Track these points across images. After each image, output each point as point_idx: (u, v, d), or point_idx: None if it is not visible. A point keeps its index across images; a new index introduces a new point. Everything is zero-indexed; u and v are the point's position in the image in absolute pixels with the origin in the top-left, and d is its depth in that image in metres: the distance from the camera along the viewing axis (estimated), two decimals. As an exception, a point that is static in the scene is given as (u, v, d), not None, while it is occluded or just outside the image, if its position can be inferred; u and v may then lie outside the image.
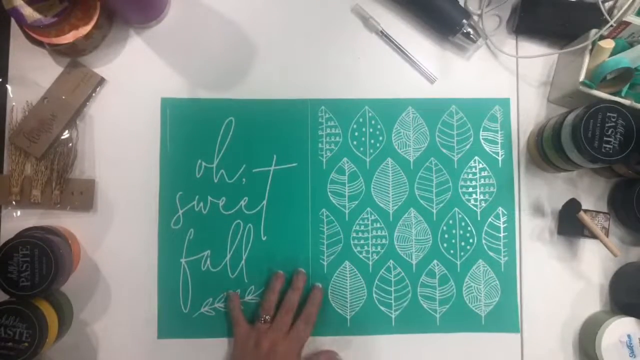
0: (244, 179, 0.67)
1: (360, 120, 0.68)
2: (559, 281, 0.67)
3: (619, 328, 0.63)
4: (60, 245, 0.58)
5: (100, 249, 0.65)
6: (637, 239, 0.69)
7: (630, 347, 0.62)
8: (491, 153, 0.69)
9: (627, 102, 0.61)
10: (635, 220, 0.65)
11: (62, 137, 0.65)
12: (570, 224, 0.66)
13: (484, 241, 0.67)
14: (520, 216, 0.68)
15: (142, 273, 0.65)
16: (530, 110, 0.69)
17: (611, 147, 0.58)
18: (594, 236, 0.65)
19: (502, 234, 0.68)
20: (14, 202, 0.64)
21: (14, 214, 0.65)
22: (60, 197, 0.64)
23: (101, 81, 0.66)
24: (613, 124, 0.58)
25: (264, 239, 0.67)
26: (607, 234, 0.67)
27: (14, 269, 0.55)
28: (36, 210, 0.65)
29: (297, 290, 0.64)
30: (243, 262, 0.66)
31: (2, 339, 0.55)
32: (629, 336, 0.62)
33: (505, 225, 0.68)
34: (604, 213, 0.67)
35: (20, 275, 0.55)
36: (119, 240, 0.66)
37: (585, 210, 0.65)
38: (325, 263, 0.67)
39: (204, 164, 0.67)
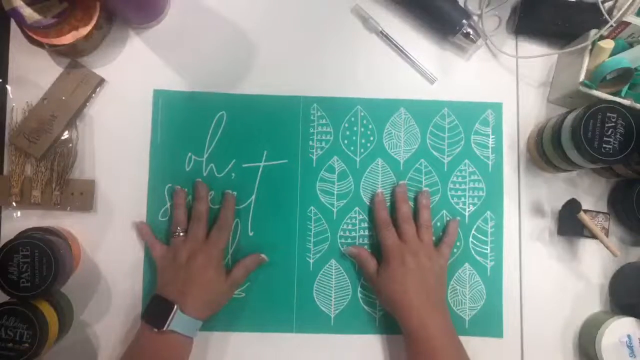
0: (233, 174, 0.67)
1: (352, 119, 0.68)
2: (559, 281, 0.67)
3: (619, 328, 0.63)
4: (60, 245, 0.58)
5: (100, 249, 0.65)
6: (637, 239, 0.69)
7: (630, 347, 0.62)
8: (482, 157, 0.68)
9: (627, 102, 0.61)
10: (635, 220, 0.65)
11: (62, 138, 0.65)
12: (570, 224, 0.66)
13: (471, 245, 0.67)
14: (520, 216, 0.68)
15: (137, 269, 0.65)
16: (530, 111, 0.69)
17: (611, 147, 0.58)
18: (594, 236, 0.65)
19: (489, 239, 0.67)
20: (14, 203, 0.64)
21: (14, 214, 0.65)
22: (60, 197, 0.64)
23: (101, 82, 0.66)
24: (613, 124, 0.58)
25: (250, 234, 0.67)
26: (607, 234, 0.67)
27: (14, 270, 0.55)
28: (36, 210, 0.65)
29: (201, 199, 0.64)
30: (229, 256, 0.66)
31: (3, 339, 0.55)
32: (629, 336, 0.62)
33: (492, 229, 0.67)
34: (604, 213, 0.67)
35: (21, 276, 0.56)
36: (119, 240, 0.66)
37: (585, 211, 0.65)
38: (311, 261, 0.67)
39: (193, 157, 0.67)
